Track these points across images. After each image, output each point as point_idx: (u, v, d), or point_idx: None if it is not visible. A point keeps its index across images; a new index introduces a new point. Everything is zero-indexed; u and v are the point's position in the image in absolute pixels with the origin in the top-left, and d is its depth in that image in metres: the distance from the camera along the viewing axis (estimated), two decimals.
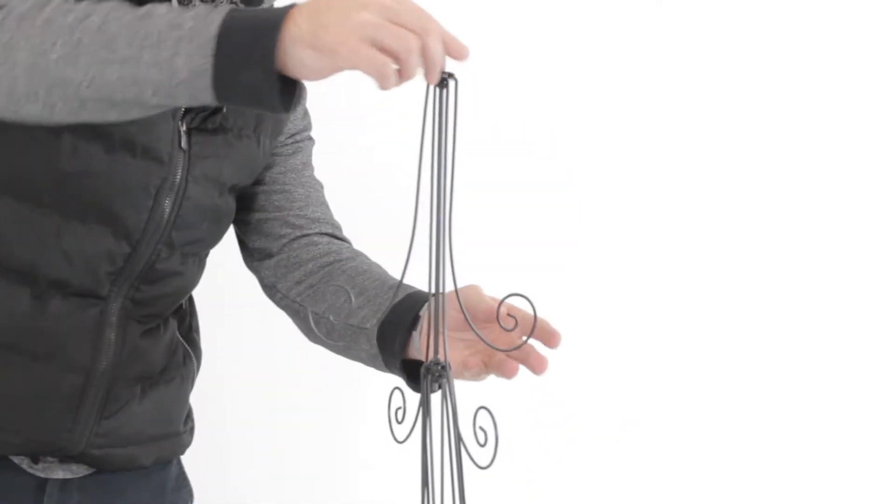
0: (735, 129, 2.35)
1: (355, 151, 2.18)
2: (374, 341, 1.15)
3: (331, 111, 2.20)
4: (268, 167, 1.28)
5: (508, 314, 0.98)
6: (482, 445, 0.89)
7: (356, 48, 0.83)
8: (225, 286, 1.59)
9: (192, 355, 1.29)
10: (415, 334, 1.12)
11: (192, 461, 1.37)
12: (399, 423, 0.98)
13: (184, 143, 1.11)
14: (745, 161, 2.34)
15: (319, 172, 1.42)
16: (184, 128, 1.10)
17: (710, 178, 2.34)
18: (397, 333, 1.13)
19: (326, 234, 1.31)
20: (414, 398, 0.98)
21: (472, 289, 1.07)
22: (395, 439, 0.97)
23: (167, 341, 1.22)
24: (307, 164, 1.34)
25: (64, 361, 1.11)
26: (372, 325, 1.16)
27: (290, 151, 1.30)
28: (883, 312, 2.37)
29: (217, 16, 0.86)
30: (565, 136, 2.30)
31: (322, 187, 1.35)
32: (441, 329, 0.93)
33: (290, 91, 0.88)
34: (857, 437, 2.35)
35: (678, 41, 2.33)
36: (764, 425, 2.34)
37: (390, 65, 0.84)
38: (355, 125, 2.18)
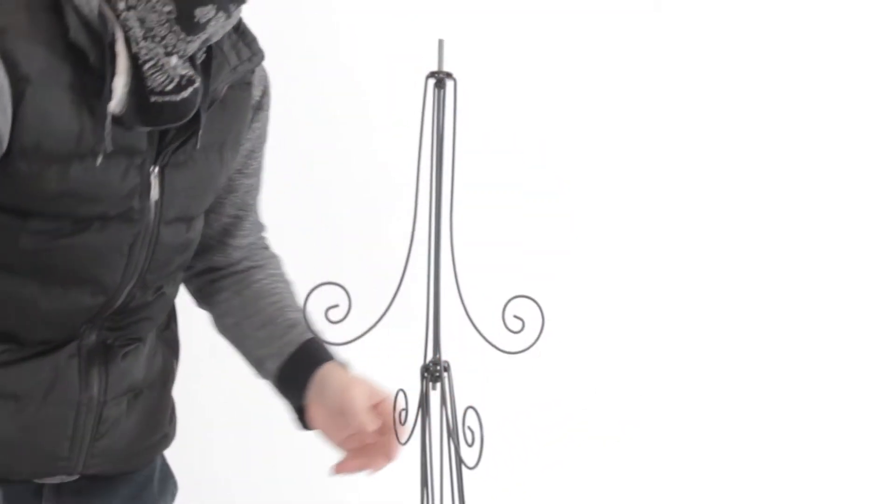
0: (729, 138, 2.35)
1: (355, 151, 2.18)
2: (274, 383, 1.24)
3: (330, 111, 2.21)
4: (230, 190, 1.26)
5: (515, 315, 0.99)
6: (470, 445, 0.90)
7: None
8: None
9: (171, 353, 1.30)
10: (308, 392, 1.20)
11: (193, 463, 1.37)
12: (402, 424, 0.99)
13: (155, 192, 1.10)
14: (737, 168, 2.34)
15: (319, 173, 1.42)
16: (155, 172, 1.10)
17: (702, 185, 2.34)
18: (292, 391, 1.22)
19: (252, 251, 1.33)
20: (415, 400, 0.98)
21: (353, 396, 1.15)
22: (398, 440, 0.98)
23: (147, 350, 1.24)
24: (253, 179, 1.31)
25: (54, 398, 1.13)
26: (271, 366, 1.23)
27: (250, 172, 1.28)
28: (882, 312, 2.37)
29: None
30: (557, 145, 2.30)
31: (259, 183, 1.33)
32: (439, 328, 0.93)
33: None
34: (857, 437, 2.35)
35: (674, 50, 2.33)
36: (763, 425, 2.34)
37: None
38: (355, 125, 2.18)
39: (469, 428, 0.91)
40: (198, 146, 1.11)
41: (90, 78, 1.01)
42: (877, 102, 2.36)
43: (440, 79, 0.89)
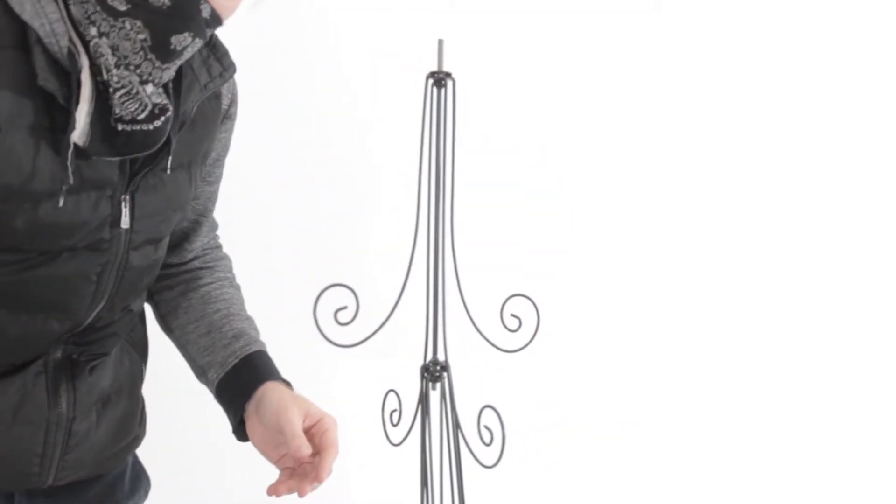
0: (729, 138, 2.34)
1: (354, 151, 2.18)
2: (214, 393, 1.23)
3: (330, 111, 2.21)
4: (193, 197, 1.24)
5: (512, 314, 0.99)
6: (487, 445, 0.89)
7: None
8: None
9: (137, 354, 1.29)
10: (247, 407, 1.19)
11: (193, 465, 1.37)
12: (394, 425, 0.98)
13: (125, 221, 1.09)
14: (737, 169, 2.34)
15: (317, 173, 1.42)
16: (126, 199, 1.10)
17: (703, 184, 2.33)
18: (231, 404, 1.21)
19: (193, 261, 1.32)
20: (409, 400, 0.98)
21: (290, 417, 1.13)
22: (391, 442, 0.97)
23: (113, 359, 1.22)
24: (217, 189, 1.31)
25: (22, 419, 1.11)
26: (213, 376, 1.22)
27: (212, 180, 1.27)
28: (882, 312, 2.37)
29: None
30: (557, 145, 2.30)
31: (219, 188, 1.32)
32: (440, 327, 0.93)
33: None
34: (857, 437, 2.34)
35: (674, 50, 2.33)
36: (762, 425, 2.33)
37: None
38: (356, 125, 2.17)
39: (486, 427, 0.90)
40: (168, 170, 1.09)
41: (59, 113, 0.99)
42: (877, 100, 2.36)
43: (440, 79, 0.89)
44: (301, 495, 1.12)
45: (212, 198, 1.27)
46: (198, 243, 1.28)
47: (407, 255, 0.99)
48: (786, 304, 2.32)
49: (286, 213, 2.14)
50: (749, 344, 2.32)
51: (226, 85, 1.19)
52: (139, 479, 1.30)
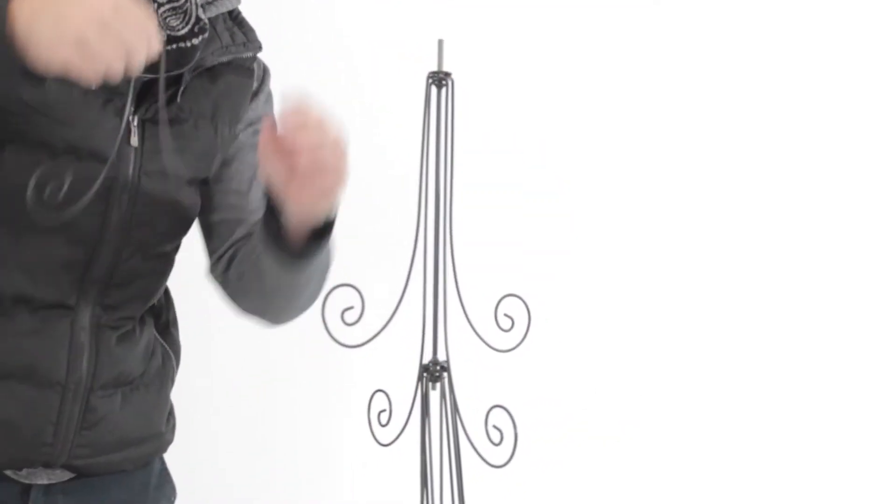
0: (729, 137, 2.34)
1: (353, 151, 2.17)
2: (272, 250, 1.13)
3: (328, 111, 2.21)
4: (226, 163, 1.24)
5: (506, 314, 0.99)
6: (496, 444, 0.89)
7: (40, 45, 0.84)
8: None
9: (171, 353, 1.28)
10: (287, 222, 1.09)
11: (191, 463, 1.37)
12: (383, 426, 0.98)
13: (134, 140, 1.10)
14: (737, 168, 2.34)
15: None
16: (136, 122, 1.09)
17: (703, 183, 2.33)
18: (275, 225, 1.10)
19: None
20: (399, 401, 0.98)
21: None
22: (378, 442, 0.97)
23: (144, 344, 1.20)
24: (255, 159, 1.30)
25: (38, 377, 1.10)
26: (261, 244, 1.13)
27: (251, 144, 1.25)
28: (882, 313, 2.37)
29: None
30: (557, 145, 2.30)
31: None
32: (441, 329, 0.93)
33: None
34: (857, 437, 2.34)
35: (673, 46, 2.33)
36: (762, 424, 2.33)
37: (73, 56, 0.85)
38: (355, 125, 2.17)
39: (495, 427, 0.90)
40: (178, 101, 1.10)
41: None
42: (876, 97, 2.36)
43: (440, 79, 0.89)
44: (330, 188, 1.03)
45: (251, 168, 1.23)
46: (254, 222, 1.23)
47: (408, 255, 0.99)
48: (786, 304, 2.32)
49: None
50: (750, 344, 2.32)
51: (259, 67, 1.21)
52: (163, 488, 1.28)
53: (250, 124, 1.24)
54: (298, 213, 1.06)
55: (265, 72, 1.24)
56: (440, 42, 1.02)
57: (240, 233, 1.23)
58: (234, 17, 1.18)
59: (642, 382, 2.30)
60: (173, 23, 1.04)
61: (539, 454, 2.28)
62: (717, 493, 2.29)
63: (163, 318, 1.26)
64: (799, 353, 2.32)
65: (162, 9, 1.04)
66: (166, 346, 1.24)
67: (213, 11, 1.09)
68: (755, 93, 2.31)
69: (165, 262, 1.19)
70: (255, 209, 1.23)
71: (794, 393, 2.32)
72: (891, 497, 2.31)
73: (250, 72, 1.20)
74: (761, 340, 2.32)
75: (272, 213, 1.08)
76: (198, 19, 1.06)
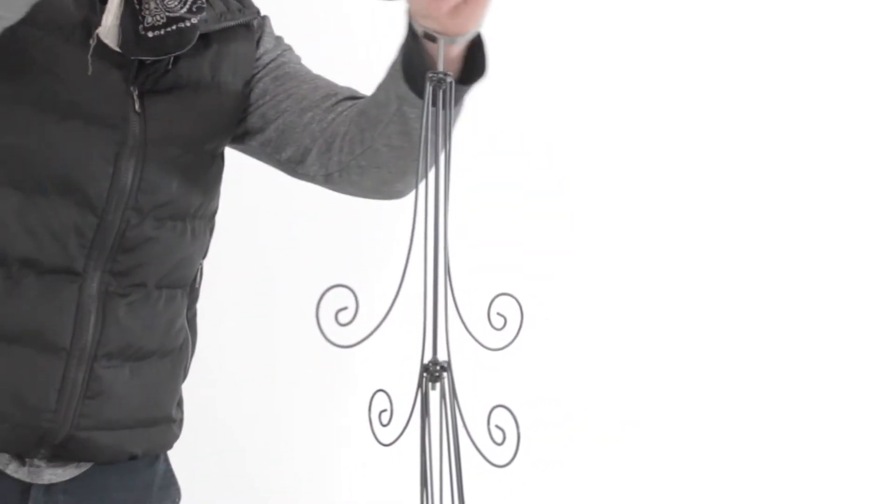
0: (729, 138, 2.34)
1: None
2: (416, 98, 1.06)
3: None
4: (258, 94, 1.23)
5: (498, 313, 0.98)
6: (499, 444, 0.89)
7: None
8: (217, 278, 1.59)
9: (190, 341, 1.27)
10: (429, 47, 1.02)
11: (191, 462, 1.37)
12: (384, 426, 0.98)
13: (138, 107, 1.10)
14: (737, 169, 2.34)
15: None
16: (136, 92, 1.10)
17: (703, 186, 2.34)
18: (419, 64, 1.04)
19: (345, 98, 1.24)
20: (400, 400, 0.98)
21: None
22: (380, 442, 0.97)
23: (167, 319, 1.19)
24: (298, 65, 1.28)
25: (43, 342, 1.09)
26: (403, 89, 1.09)
27: (274, 66, 1.25)
28: (882, 313, 2.37)
29: None
30: (556, 145, 2.30)
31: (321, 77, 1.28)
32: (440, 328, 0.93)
33: None
34: (857, 437, 2.35)
35: (674, 47, 2.33)
36: (762, 424, 2.34)
37: None
38: None
39: (497, 426, 0.90)
40: (172, 69, 1.12)
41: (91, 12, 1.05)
42: (878, 96, 2.36)
43: (439, 79, 0.89)
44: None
45: (318, 83, 1.24)
46: (317, 100, 1.24)
47: (405, 255, 0.99)
48: (786, 304, 2.32)
49: (284, 213, 2.14)
50: (750, 345, 2.32)
51: (257, 22, 1.23)
52: (168, 489, 1.27)
53: (265, 60, 1.23)
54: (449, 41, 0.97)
55: (263, 18, 1.25)
56: (440, 42, 1.02)
57: (307, 118, 1.20)
58: None
59: (643, 382, 2.31)
60: (171, 3, 1.05)
61: (539, 454, 2.28)
62: (717, 493, 2.30)
63: (193, 306, 1.26)
64: (799, 352, 2.32)
65: None
66: (189, 332, 1.24)
67: None
68: (755, 93, 2.31)
69: (183, 232, 1.18)
70: (314, 94, 1.22)
71: (794, 392, 2.32)
72: (891, 497, 2.31)
73: (249, 27, 1.22)
74: (762, 341, 2.32)
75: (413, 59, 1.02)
76: None
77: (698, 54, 2.33)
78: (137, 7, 1.08)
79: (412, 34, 1.02)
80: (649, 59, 2.33)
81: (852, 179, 2.37)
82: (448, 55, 0.99)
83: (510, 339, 1.04)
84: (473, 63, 1.03)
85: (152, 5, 1.08)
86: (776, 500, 2.31)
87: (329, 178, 1.22)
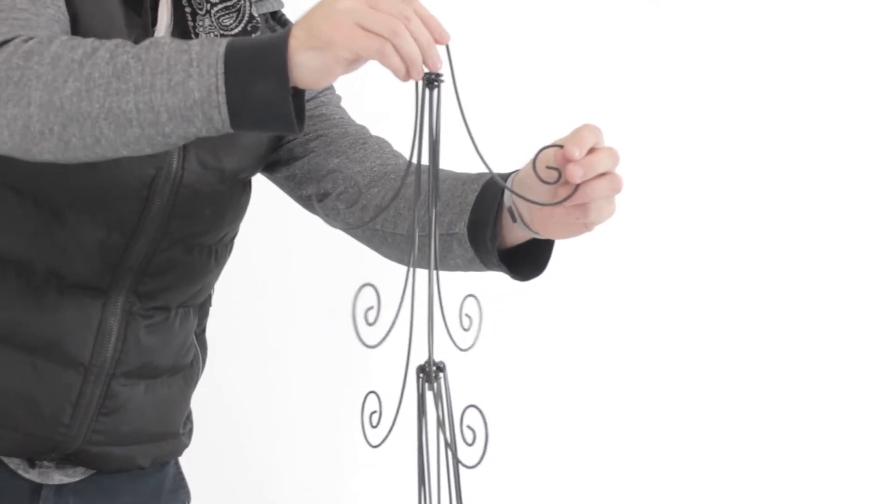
0: (730, 136, 2.35)
1: None
2: (468, 245, 1.08)
3: None
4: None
5: (548, 167, 0.98)
6: (470, 445, 0.90)
7: (350, 34, 0.86)
8: (220, 287, 1.59)
9: (201, 357, 1.28)
10: (506, 220, 1.05)
11: (191, 462, 1.37)
12: (374, 427, 0.98)
13: None
14: (739, 167, 2.35)
15: None
16: None
17: (704, 183, 2.34)
18: (486, 228, 1.06)
19: (374, 150, 1.24)
20: (389, 402, 0.98)
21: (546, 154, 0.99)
22: (369, 443, 0.97)
23: (181, 339, 1.21)
24: (336, 107, 1.27)
25: (62, 355, 1.10)
26: (461, 228, 1.08)
27: (314, 104, 1.25)
28: (882, 313, 2.37)
29: (220, 41, 0.89)
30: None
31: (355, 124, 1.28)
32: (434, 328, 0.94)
33: (300, 107, 0.90)
34: (857, 437, 2.35)
35: (671, 46, 2.33)
36: (763, 425, 2.34)
37: (386, 43, 0.85)
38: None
39: (469, 427, 0.91)
40: None
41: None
42: (876, 95, 2.36)
43: (432, 80, 0.89)
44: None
45: (348, 129, 1.23)
46: (343, 147, 1.23)
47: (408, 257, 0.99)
48: (786, 304, 2.32)
49: (282, 212, 2.15)
50: (750, 345, 2.32)
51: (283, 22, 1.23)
52: (177, 492, 1.28)
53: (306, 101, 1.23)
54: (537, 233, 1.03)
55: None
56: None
57: (332, 163, 1.20)
58: (278, 19, 1.20)
59: (643, 382, 2.31)
60: (226, 21, 1.05)
61: (538, 454, 2.29)
62: (717, 493, 2.30)
63: (203, 322, 1.26)
64: (799, 353, 2.32)
65: (215, 8, 1.05)
66: (199, 348, 1.24)
67: (260, 10, 1.10)
68: (754, 94, 2.31)
69: (209, 257, 1.19)
70: (341, 140, 1.21)
71: (794, 392, 2.32)
72: (891, 497, 2.31)
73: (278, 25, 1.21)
74: (762, 341, 2.33)
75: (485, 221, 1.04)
76: (251, 17, 1.07)
77: (696, 56, 2.33)
78: (191, 24, 1.09)
79: (498, 196, 1.04)
80: (644, 62, 2.33)
81: (852, 180, 2.37)
82: (515, 234, 1.03)
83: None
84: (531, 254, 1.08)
85: (206, 22, 1.08)
86: (776, 500, 2.31)
87: (347, 226, 1.24)
